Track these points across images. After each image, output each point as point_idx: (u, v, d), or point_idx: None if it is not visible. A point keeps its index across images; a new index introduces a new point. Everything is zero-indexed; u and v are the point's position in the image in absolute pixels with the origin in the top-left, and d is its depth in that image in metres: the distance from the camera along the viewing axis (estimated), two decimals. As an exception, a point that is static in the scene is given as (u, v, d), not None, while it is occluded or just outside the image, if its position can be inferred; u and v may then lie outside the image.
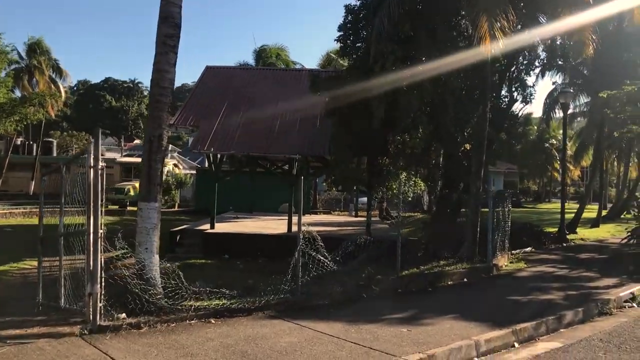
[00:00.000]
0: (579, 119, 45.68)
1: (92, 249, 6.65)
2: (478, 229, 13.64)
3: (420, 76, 15.71)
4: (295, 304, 8.79)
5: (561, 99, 20.40)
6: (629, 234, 16.10)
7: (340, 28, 17.83)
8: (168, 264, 8.01)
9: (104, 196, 6.59)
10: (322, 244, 9.22)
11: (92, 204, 6.50)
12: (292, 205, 20.93)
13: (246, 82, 25.21)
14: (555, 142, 56.72)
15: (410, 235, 21.90)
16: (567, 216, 32.06)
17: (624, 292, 10.67)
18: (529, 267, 13.36)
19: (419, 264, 13.81)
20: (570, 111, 41.09)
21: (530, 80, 18.94)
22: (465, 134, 16.89)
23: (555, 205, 53.64)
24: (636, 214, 16.66)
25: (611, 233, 23.76)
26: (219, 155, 21.20)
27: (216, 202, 20.91)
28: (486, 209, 14.15)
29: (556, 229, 20.75)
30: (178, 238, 20.06)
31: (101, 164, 6.53)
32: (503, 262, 12.76)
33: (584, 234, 21.62)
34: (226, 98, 23.03)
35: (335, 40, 18.08)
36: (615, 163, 42.71)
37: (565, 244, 18.27)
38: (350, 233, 21.17)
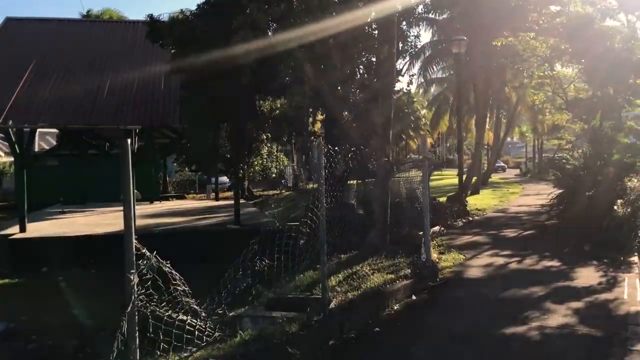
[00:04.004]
0: (434, 86, 45.57)
1: None
2: (389, 210, 10.48)
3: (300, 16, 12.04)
4: None
5: (454, 49, 18.01)
6: (553, 200, 13.80)
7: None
8: None
9: None
10: (178, 277, 4.69)
11: None
12: (132, 191, 16.25)
13: (62, 38, 19.42)
14: (409, 111, 56.70)
15: (283, 219, 18.38)
16: (442, 182, 31.15)
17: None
18: (469, 260, 10.10)
19: (314, 262, 10.40)
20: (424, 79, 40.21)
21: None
22: (354, 89, 13.56)
23: (415, 173, 53.96)
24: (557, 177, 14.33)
25: (499, 199, 22.54)
26: (26, 132, 15.56)
27: (26, 195, 15.32)
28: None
29: (445, 199, 18.63)
30: (-27, 250, 14.40)
31: None
32: (433, 253, 9.66)
33: (475, 202, 19.78)
34: (34, 58, 17.26)
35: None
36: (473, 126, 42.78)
37: (471, 218, 16.02)
38: (214, 223, 17.12)
